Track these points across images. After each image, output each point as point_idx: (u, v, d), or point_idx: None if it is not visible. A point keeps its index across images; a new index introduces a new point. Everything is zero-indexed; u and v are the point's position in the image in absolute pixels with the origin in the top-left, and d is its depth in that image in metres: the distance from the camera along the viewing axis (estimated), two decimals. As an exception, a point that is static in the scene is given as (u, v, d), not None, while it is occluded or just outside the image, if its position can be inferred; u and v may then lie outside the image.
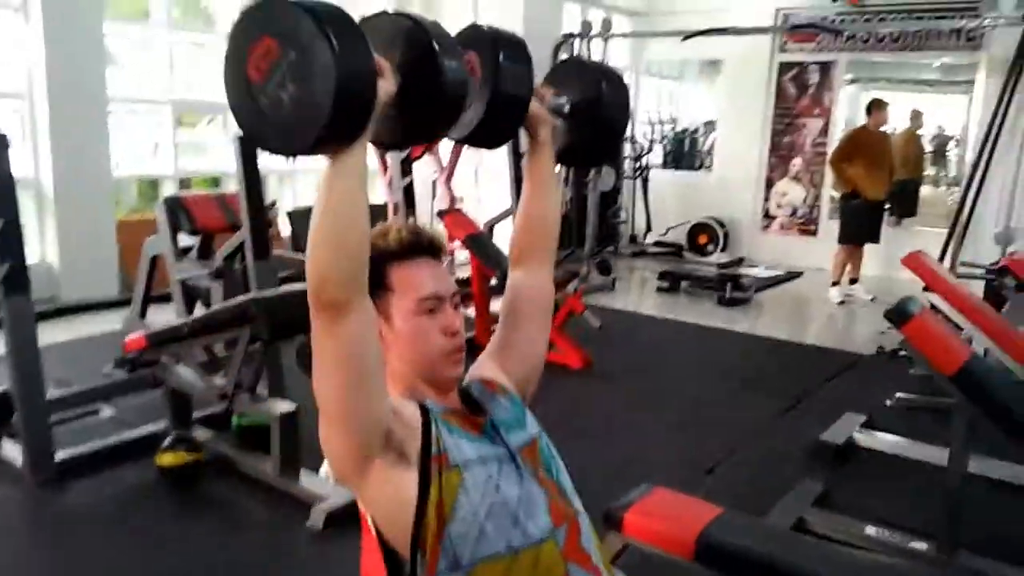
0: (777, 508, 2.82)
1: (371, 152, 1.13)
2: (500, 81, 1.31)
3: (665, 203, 9.01)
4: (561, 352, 4.50)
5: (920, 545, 2.58)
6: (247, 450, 3.20)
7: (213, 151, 7.34)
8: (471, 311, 4.79)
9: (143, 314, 4.56)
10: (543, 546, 1.18)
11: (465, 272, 5.26)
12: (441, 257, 1.30)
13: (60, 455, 3.06)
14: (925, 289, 3.53)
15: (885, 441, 3.50)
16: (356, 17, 1.05)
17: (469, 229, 4.91)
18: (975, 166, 6.91)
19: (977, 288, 4.23)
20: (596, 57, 7.84)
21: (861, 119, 6.95)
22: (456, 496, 1.15)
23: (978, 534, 2.60)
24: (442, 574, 1.14)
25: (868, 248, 6.77)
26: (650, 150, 9.14)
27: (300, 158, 1.07)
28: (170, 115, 6.50)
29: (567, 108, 1.52)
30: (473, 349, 1.28)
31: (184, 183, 6.71)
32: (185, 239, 4.51)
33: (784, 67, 8.45)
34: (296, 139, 1.02)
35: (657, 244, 8.87)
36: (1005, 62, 6.85)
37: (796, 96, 8.44)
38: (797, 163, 8.53)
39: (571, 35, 8.05)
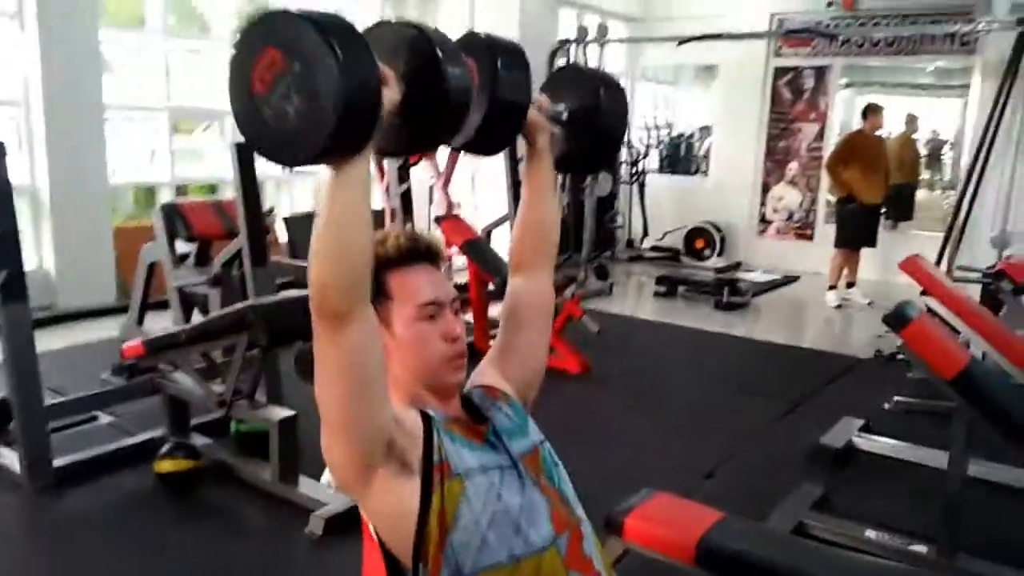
0: (776, 512, 2.83)
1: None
2: (498, 88, 1.31)
3: (662, 208, 9.03)
4: (559, 357, 4.50)
5: (920, 548, 2.58)
6: (246, 456, 3.19)
7: (209, 158, 7.34)
8: (469, 316, 4.79)
9: (140, 321, 4.55)
10: (545, 554, 1.18)
11: (463, 278, 5.26)
12: (440, 263, 1.30)
13: (58, 462, 3.05)
14: (923, 293, 3.54)
15: (884, 444, 3.50)
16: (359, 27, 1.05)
17: (467, 235, 4.91)
18: (971, 170, 6.92)
19: (974, 292, 4.23)
20: (592, 63, 7.86)
21: (856, 123, 6.97)
22: (458, 505, 1.15)
23: (977, 537, 2.60)
24: None
25: (865, 252, 6.79)
26: (646, 155, 9.16)
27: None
28: (166, 122, 6.49)
29: (565, 115, 1.51)
30: (472, 354, 1.28)
31: (180, 190, 6.71)
32: (182, 246, 4.50)
33: (779, 72, 8.48)
34: (300, 151, 1.01)
35: (654, 249, 8.89)
36: (1000, 66, 6.87)
37: (792, 101, 8.46)
38: (793, 167, 8.55)
39: (567, 41, 8.07)
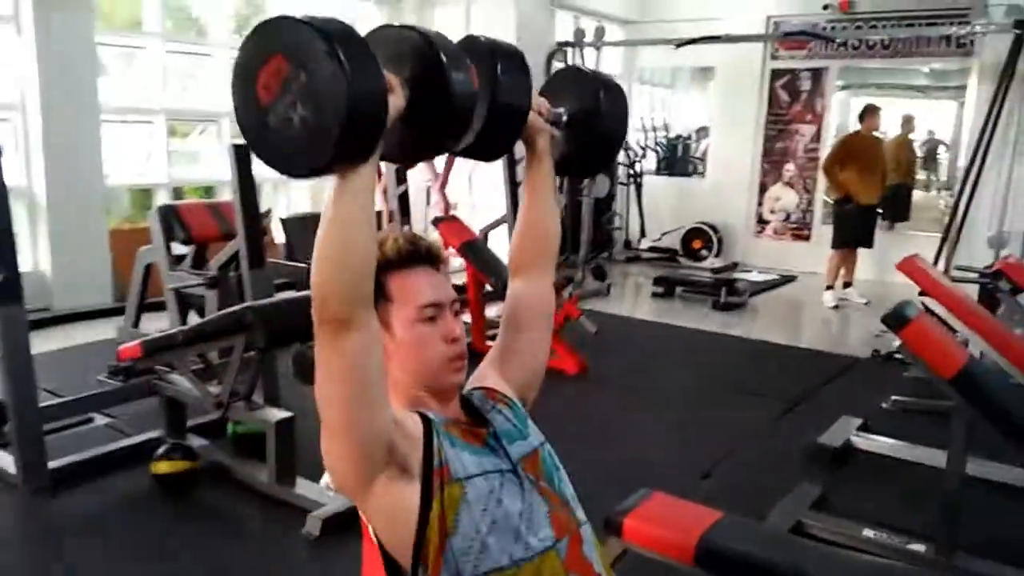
0: (775, 511, 2.83)
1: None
2: (498, 93, 1.30)
3: (659, 209, 9.03)
4: (557, 357, 4.49)
5: (918, 547, 2.58)
6: (243, 458, 3.18)
7: (206, 160, 7.34)
8: (467, 318, 4.79)
9: (137, 323, 4.54)
10: (545, 558, 1.17)
11: (460, 279, 5.26)
12: (439, 266, 1.30)
13: (54, 463, 3.03)
14: (921, 294, 3.54)
15: (882, 444, 3.51)
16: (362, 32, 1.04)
17: (464, 236, 4.90)
18: (968, 171, 6.95)
19: (971, 292, 4.24)
20: (589, 66, 7.86)
21: (853, 125, 6.98)
22: (458, 510, 1.15)
23: (976, 536, 2.60)
24: None
25: (861, 252, 6.80)
26: (644, 156, 9.17)
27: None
28: (163, 124, 6.49)
29: (565, 118, 1.50)
30: (470, 355, 1.27)
31: (177, 192, 6.70)
32: (179, 248, 4.49)
33: (776, 74, 8.50)
34: (306, 160, 1.01)
35: (651, 250, 8.90)
36: (996, 67, 6.89)
37: (788, 102, 8.48)
38: (790, 168, 8.57)
39: (564, 44, 8.08)
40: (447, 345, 1.24)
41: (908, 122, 8.37)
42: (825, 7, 7.89)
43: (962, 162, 7.37)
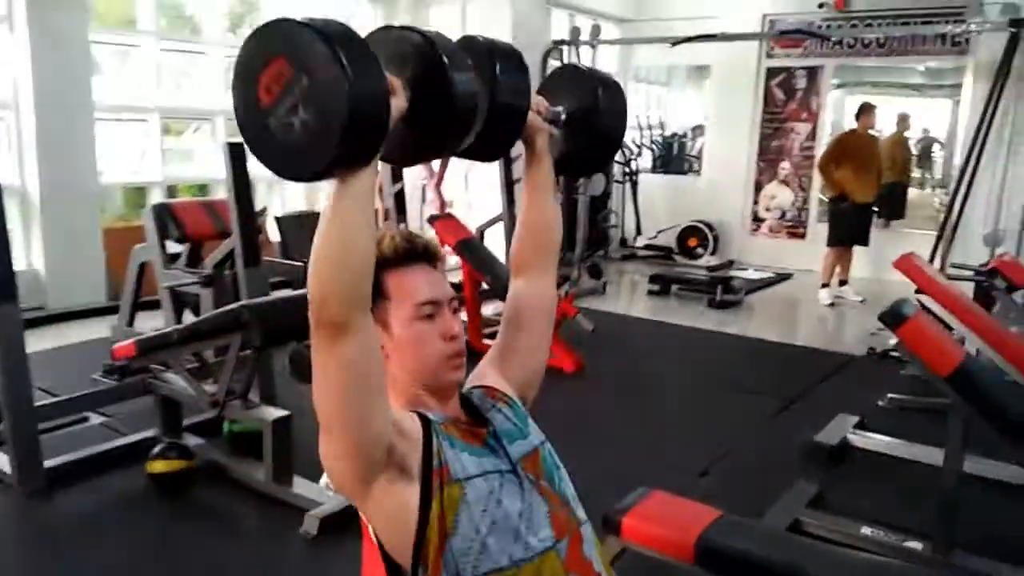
0: (772, 510, 2.83)
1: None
2: (497, 93, 1.29)
3: (655, 207, 9.04)
4: (554, 356, 4.48)
5: (915, 545, 2.58)
6: (239, 457, 3.17)
7: (200, 158, 7.32)
8: (463, 315, 4.78)
9: (131, 322, 4.53)
10: (545, 558, 1.17)
11: (455, 277, 5.25)
12: (437, 264, 1.29)
13: (49, 463, 3.02)
14: (917, 291, 3.55)
15: (878, 442, 3.51)
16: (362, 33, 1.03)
17: (460, 235, 4.90)
18: (963, 170, 6.96)
19: (966, 289, 4.25)
20: (585, 64, 7.86)
21: (848, 123, 7.00)
22: (457, 510, 1.14)
23: (973, 533, 2.60)
24: None
25: (857, 250, 6.82)
26: (639, 154, 9.17)
27: None
28: (157, 123, 6.47)
29: (563, 117, 1.49)
30: (467, 354, 1.26)
31: (171, 190, 6.68)
32: (173, 246, 4.48)
33: (771, 72, 8.50)
34: (307, 164, 1.00)
35: (647, 248, 8.90)
36: (991, 65, 6.91)
37: (784, 101, 8.49)
38: (785, 167, 8.57)
39: (560, 42, 8.07)
40: (445, 343, 1.24)
41: (903, 120, 8.38)
42: (821, 5, 7.90)
43: (957, 160, 7.39)
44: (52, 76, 5.41)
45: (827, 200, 7.08)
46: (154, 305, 4.48)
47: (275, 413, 3.01)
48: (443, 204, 5.90)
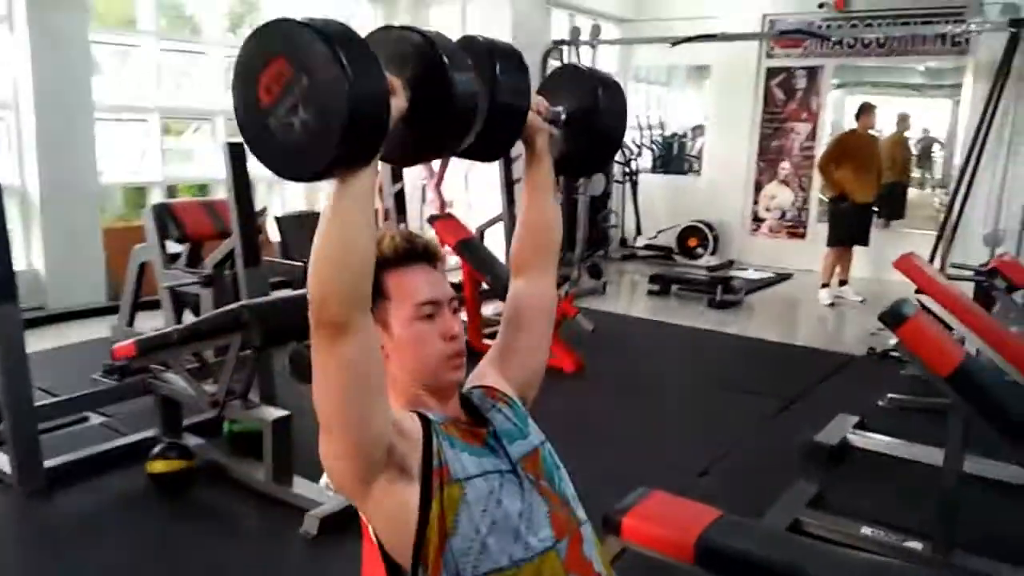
0: (772, 510, 2.83)
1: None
2: (497, 93, 1.29)
3: (655, 207, 9.04)
4: (554, 356, 4.48)
5: (915, 545, 2.58)
6: (239, 457, 3.17)
7: (200, 158, 7.32)
8: (463, 315, 4.78)
9: (131, 322, 4.53)
10: (545, 558, 1.17)
11: (455, 277, 5.25)
12: (437, 264, 1.29)
13: (49, 463, 3.02)
14: (917, 291, 3.55)
15: (878, 442, 3.51)
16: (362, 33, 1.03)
17: (460, 234, 4.90)
18: (963, 170, 6.96)
19: (966, 289, 4.25)
20: (585, 64, 7.85)
21: (848, 123, 6.99)
22: (457, 510, 1.14)
23: (973, 534, 2.60)
24: None
25: (857, 250, 6.82)
26: (639, 154, 9.17)
27: None
28: (157, 123, 6.47)
29: (564, 117, 1.49)
30: (467, 354, 1.26)
31: (171, 190, 6.68)
32: (173, 246, 4.48)
33: (771, 72, 8.50)
34: (307, 164, 1.00)
35: (647, 247, 8.90)
36: (991, 66, 6.91)
37: (784, 101, 8.49)
38: (785, 167, 8.57)
39: (560, 42, 8.07)
40: (445, 343, 1.24)
41: (903, 120, 8.38)
42: (821, 5, 7.90)
43: (957, 160, 7.39)
44: (52, 76, 5.41)
45: (827, 200, 7.09)
46: (154, 305, 4.48)
47: (275, 413, 3.01)
48: (443, 204, 5.90)
